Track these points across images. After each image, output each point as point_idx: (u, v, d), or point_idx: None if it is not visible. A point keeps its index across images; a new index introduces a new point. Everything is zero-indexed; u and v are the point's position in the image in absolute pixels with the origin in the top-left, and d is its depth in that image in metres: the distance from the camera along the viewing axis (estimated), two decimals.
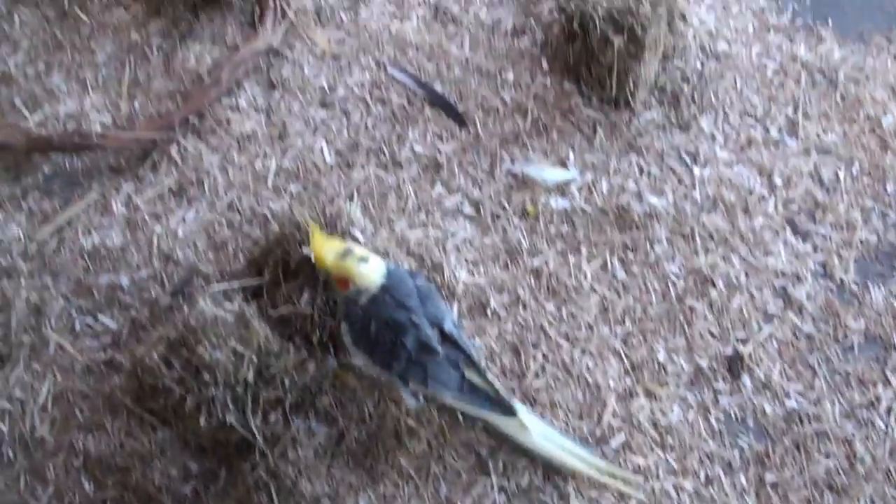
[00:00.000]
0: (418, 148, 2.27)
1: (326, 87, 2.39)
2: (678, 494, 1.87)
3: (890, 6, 2.66)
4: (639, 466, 1.89)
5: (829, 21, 2.61)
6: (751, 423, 1.94)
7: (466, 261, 2.08)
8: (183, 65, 2.41)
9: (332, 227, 1.92)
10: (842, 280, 2.10)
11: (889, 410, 1.97)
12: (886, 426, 1.95)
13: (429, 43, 2.50)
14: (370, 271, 1.74)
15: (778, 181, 2.25)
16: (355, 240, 1.92)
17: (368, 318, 1.74)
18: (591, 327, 2.01)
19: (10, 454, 1.85)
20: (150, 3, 2.53)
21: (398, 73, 2.42)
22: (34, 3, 2.55)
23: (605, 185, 2.21)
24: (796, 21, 2.61)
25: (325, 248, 1.76)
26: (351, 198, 2.15)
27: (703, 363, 1.99)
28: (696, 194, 2.21)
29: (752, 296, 2.07)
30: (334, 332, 1.88)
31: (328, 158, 2.24)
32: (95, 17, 2.53)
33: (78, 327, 1.97)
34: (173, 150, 2.23)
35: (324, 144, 2.27)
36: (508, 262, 2.09)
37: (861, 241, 2.17)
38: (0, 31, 2.48)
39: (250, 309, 1.81)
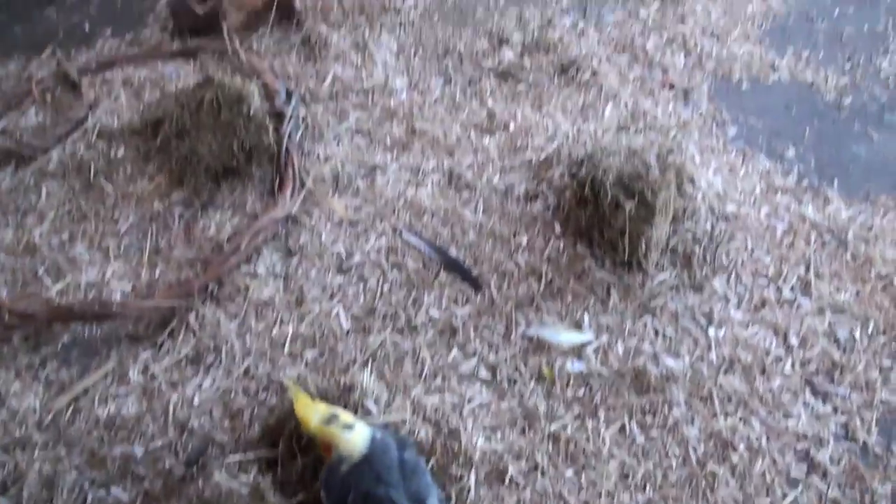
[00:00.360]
0: (434, 312, 2.29)
1: (343, 253, 2.43)
2: None
3: (894, 165, 2.72)
4: None
5: (835, 182, 2.67)
6: None
7: (484, 427, 2.06)
8: (203, 233, 2.47)
9: (346, 398, 1.92)
10: (865, 442, 2.06)
11: None
12: None
13: (443, 208, 2.56)
14: (354, 439, 1.72)
15: (794, 341, 2.25)
16: (368, 412, 1.92)
17: (347, 488, 1.70)
18: (611, 495, 1.97)
19: None
20: (173, 173, 2.62)
21: (414, 238, 2.47)
22: (62, 174, 2.64)
23: (620, 348, 2.21)
24: (802, 182, 2.67)
25: (310, 413, 1.75)
26: (367, 364, 2.15)
27: None
28: (713, 356, 2.20)
29: (774, 460, 2.02)
30: None
31: (345, 324, 2.26)
32: (120, 188, 2.61)
33: (90, 501, 1.94)
34: (192, 318, 2.26)
35: (340, 310, 2.29)
36: (526, 427, 2.07)
37: (882, 402, 2.14)
38: (27, 202, 2.56)
39: (265, 481, 1.78)
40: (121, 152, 2.70)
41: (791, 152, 2.77)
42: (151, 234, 2.49)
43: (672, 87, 2.98)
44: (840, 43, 3.17)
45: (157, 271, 2.39)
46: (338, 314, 2.28)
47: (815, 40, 3.18)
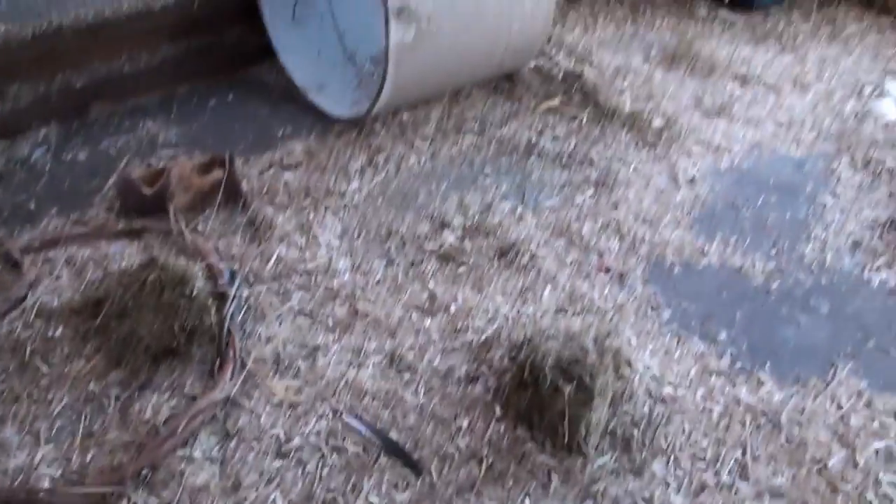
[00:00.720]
0: (373, 499, 2.25)
1: (282, 437, 2.41)
2: None
3: (822, 349, 2.81)
4: None
5: (767, 364, 2.74)
6: None
7: None
8: (139, 416, 2.43)
9: None
10: None
11: None
12: None
13: (384, 390, 2.56)
14: None
15: None
16: None
17: None
18: None
19: None
20: (112, 354, 2.59)
21: (354, 421, 2.46)
22: None
23: None
24: (736, 365, 2.73)
25: None
26: None
27: None
28: None
29: None
30: None
31: None
32: (55, 368, 2.57)
33: None
34: None
35: (278, 496, 2.25)
36: None
37: None
38: None
39: None
40: (59, 332, 2.67)
41: (724, 335, 2.85)
42: (85, 417, 2.44)
43: (608, 270, 3.08)
44: (765, 230, 3.33)
45: (90, 455, 2.33)
46: (275, 500, 2.23)
47: (742, 227, 3.33)
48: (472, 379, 2.62)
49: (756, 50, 4.56)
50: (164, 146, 3.62)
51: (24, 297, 2.80)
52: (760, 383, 2.67)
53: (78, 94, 3.74)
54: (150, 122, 3.76)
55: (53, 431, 2.40)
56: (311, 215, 3.23)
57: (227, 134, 3.73)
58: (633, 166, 3.60)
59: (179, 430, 2.34)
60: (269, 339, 2.71)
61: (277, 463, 2.34)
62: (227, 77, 4.11)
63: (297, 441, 2.39)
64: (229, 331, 2.65)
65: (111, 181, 3.36)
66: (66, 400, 2.48)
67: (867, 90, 4.21)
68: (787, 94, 4.18)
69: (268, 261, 3.01)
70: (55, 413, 2.44)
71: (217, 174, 3.23)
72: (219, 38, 4.10)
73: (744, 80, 4.26)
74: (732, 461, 2.42)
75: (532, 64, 4.16)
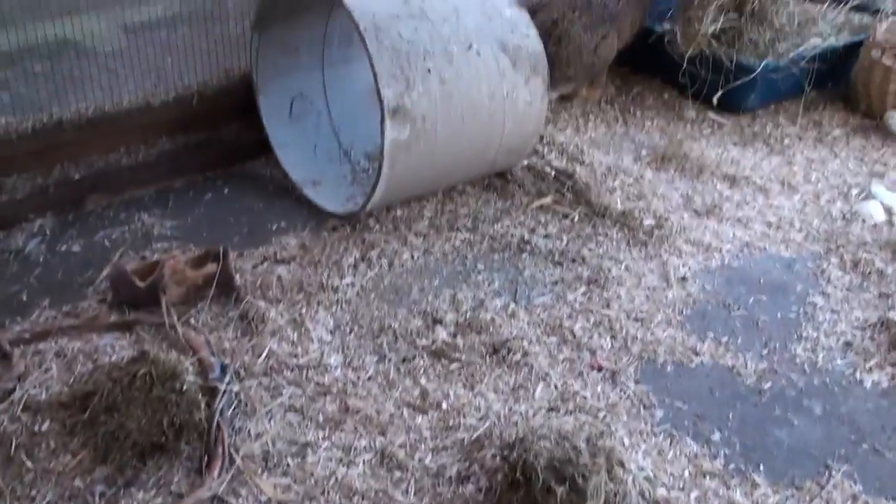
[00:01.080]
0: None
1: None
2: None
3: (816, 451, 2.79)
4: None
5: (761, 467, 2.71)
6: None
7: None
8: None
9: None
10: None
11: None
12: None
13: (375, 489, 2.52)
14: None
15: None
16: None
17: None
18: None
19: None
20: (98, 449, 2.56)
21: None
22: None
23: None
24: (729, 466, 2.71)
25: None
26: None
27: None
28: None
29: None
30: None
31: None
32: (40, 463, 2.54)
33: None
34: None
35: None
36: None
37: None
38: None
39: None
40: (45, 426, 2.64)
41: (717, 436, 2.83)
42: None
43: (600, 369, 3.08)
44: (756, 329, 3.34)
45: None
46: None
47: (733, 326, 3.34)
48: (463, 478, 2.58)
49: (744, 151, 4.64)
50: (158, 239, 3.64)
51: (13, 390, 2.77)
52: (755, 486, 2.64)
53: (75, 186, 3.79)
54: (146, 214, 3.79)
55: None
56: (304, 310, 3.24)
57: (221, 228, 3.76)
58: (624, 265, 3.63)
59: None
60: (258, 436, 2.68)
61: None
62: (223, 171, 4.16)
63: None
64: (218, 426, 2.62)
65: (104, 273, 3.37)
66: (50, 497, 2.44)
67: (854, 192, 4.28)
68: (776, 195, 4.24)
69: (259, 355, 3.00)
70: None
71: (211, 268, 3.24)
72: (216, 134, 4.17)
73: (732, 181, 4.33)
74: None
75: (525, 162, 4.22)
